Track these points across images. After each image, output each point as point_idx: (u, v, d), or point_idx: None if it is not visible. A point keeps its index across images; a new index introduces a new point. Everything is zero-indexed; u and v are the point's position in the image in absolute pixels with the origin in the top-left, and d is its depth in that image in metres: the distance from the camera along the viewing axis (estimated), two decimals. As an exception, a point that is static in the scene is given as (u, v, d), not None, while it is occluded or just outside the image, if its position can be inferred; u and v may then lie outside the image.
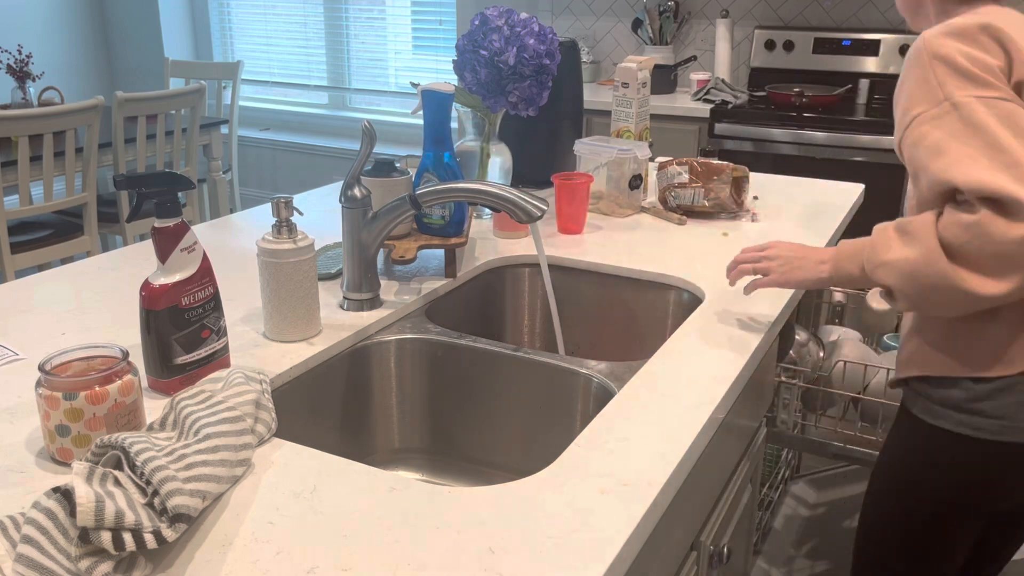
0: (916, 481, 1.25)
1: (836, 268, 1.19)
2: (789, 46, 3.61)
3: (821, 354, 1.76)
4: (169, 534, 0.74)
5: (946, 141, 1.06)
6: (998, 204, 1.01)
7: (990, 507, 1.23)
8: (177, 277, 1.02)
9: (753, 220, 1.78)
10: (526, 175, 1.93)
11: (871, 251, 1.14)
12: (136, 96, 3.41)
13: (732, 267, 1.31)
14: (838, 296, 2.03)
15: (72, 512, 0.73)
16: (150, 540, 0.72)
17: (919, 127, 1.09)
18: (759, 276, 1.27)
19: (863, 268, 1.15)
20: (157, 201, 1.01)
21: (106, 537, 0.71)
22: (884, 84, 3.49)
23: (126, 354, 0.91)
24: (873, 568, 1.36)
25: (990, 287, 1.03)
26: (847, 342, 1.75)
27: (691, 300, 1.45)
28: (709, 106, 3.38)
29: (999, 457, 1.16)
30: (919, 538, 1.28)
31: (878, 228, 1.16)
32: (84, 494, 0.71)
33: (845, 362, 1.69)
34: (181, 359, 1.04)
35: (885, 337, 1.81)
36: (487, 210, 1.80)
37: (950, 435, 1.19)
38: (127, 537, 0.71)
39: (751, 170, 2.04)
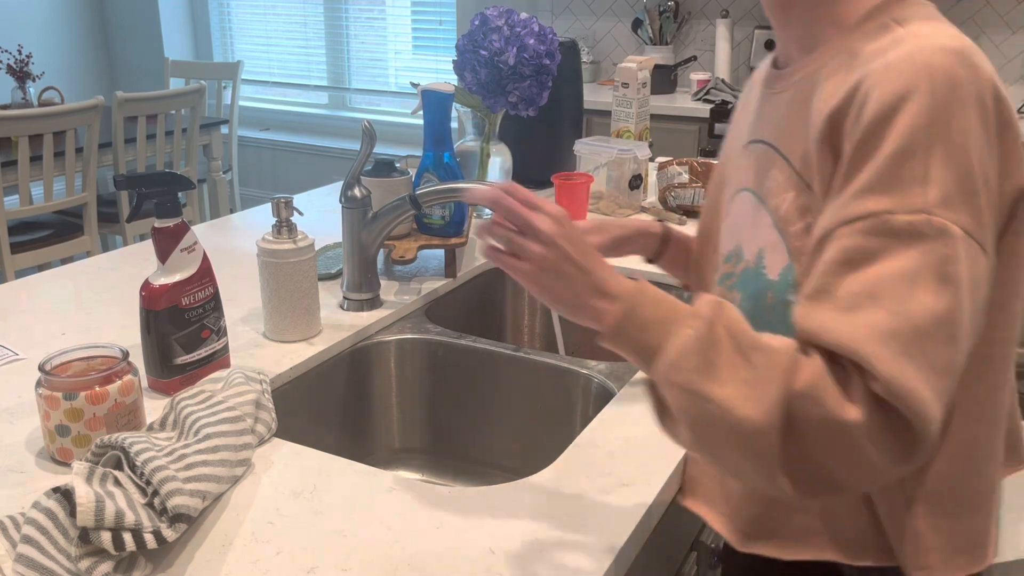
0: None
1: (621, 325, 0.75)
2: (789, 46, 3.61)
3: None
4: (169, 534, 0.74)
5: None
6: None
7: None
8: (177, 277, 1.02)
9: (753, 220, 1.78)
10: (526, 175, 1.93)
11: (682, 351, 0.70)
12: (136, 96, 3.41)
13: (486, 230, 0.78)
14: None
15: (72, 512, 0.73)
16: (150, 540, 0.72)
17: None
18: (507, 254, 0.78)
19: (652, 361, 0.71)
20: (157, 201, 1.01)
21: (106, 537, 0.71)
22: (884, 84, 3.48)
23: (126, 354, 0.91)
24: None
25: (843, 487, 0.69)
26: None
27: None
28: (709, 106, 3.38)
29: None
30: None
31: (708, 317, 0.72)
32: (84, 494, 0.71)
33: None
34: (181, 359, 1.04)
35: None
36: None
37: None
38: (127, 537, 0.71)
39: (751, 170, 2.03)
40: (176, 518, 0.75)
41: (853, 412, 0.64)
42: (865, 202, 0.67)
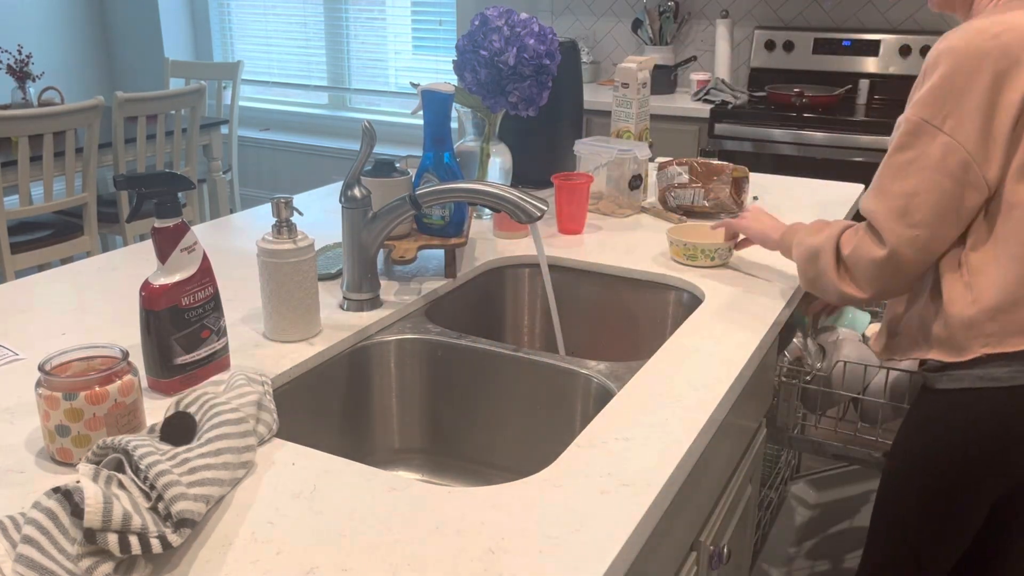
0: (934, 449, 1.28)
1: (783, 237, 1.40)
2: (789, 46, 3.61)
3: (822, 354, 1.75)
4: (175, 539, 0.74)
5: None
6: (872, 228, 1.22)
7: (1007, 465, 1.24)
8: (177, 277, 1.02)
9: (753, 220, 1.78)
10: (526, 175, 1.93)
11: (800, 232, 1.35)
12: (136, 96, 3.41)
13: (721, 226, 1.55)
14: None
15: (73, 512, 0.73)
16: (156, 545, 0.72)
17: None
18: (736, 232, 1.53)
19: (791, 242, 1.37)
20: (157, 201, 1.01)
21: (112, 539, 0.70)
22: (884, 84, 3.49)
23: (126, 354, 0.91)
24: (889, 544, 1.37)
25: (854, 291, 1.26)
26: (847, 342, 1.75)
27: (691, 300, 1.45)
28: (709, 106, 3.38)
29: (1015, 404, 1.20)
30: (936, 509, 1.30)
31: (818, 220, 1.37)
32: (93, 495, 0.71)
33: (845, 362, 1.68)
34: (181, 359, 1.04)
35: None
36: (487, 210, 1.80)
37: (967, 392, 1.23)
38: (133, 540, 0.71)
39: (751, 170, 2.03)
40: (181, 523, 0.75)
41: (867, 248, 1.24)
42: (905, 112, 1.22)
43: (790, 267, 1.50)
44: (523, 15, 1.53)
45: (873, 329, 1.79)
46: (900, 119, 1.21)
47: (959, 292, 1.21)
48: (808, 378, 1.71)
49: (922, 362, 1.33)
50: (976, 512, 1.29)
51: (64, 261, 3.40)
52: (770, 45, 3.64)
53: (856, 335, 1.80)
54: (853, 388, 1.69)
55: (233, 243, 1.62)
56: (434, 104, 1.41)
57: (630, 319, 1.53)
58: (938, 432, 1.29)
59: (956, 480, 1.27)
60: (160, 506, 0.76)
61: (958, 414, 1.25)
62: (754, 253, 1.58)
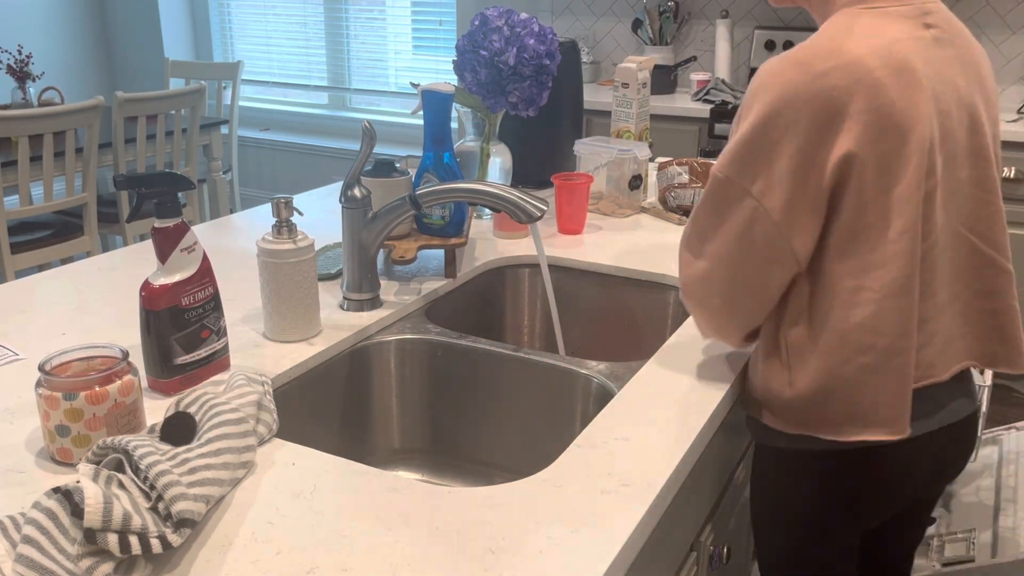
0: (822, 511, 1.15)
1: None
2: (789, 46, 3.61)
3: None
4: (175, 539, 0.74)
5: None
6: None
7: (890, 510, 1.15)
8: (177, 277, 1.02)
9: (753, 220, 1.78)
10: (526, 175, 1.93)
11: None
12: (136, 96, 3.41)
13: None
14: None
15: (73, 512, 0.73)
16: (156, 545, 0.72)
17: None
18: None
19: None
20: (157, 201, 1.01)
21: (112, 539, 0.70)
22: (884, 84, 3.48)
23: (126, 354, 0.91)
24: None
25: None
26: None
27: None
28: (709, 106, 3.38)
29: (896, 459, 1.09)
30: (821, 556, 1.18)
31: None
32: (93, 495, 0.71)
33: None
34: (181, 359, 1.04)
35: None
36: (487, 210, 1.80)
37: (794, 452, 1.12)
38: (133, 540, 0.71)
39: (751, 170, 2.03)
40: (181, 523, 0.75)
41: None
42: None
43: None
44: (523, 15, 1.53)
45: None
46: (712, 168, 1.04)
47: (777, 370, 1.07)
48: None
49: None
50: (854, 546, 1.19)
51: (64, 261, 3.40)
52: (770, 45, 3.64)
53: None
54: None
55: (233, 243, 1.62)
56: (434, 104, 1.41)
57: (630, 319, 1.53)
58: (823, 504, 1.15)
59: (844, 538, 1.17)
60: (160, 506, 0.76)
61: (839, 482, 1.12)
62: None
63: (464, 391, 1.31)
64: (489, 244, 1.64)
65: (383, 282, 1.43)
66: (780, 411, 1.09)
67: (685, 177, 1.79)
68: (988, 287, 1.10)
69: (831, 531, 1.15)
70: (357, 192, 1.26)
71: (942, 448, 1.12)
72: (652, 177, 2.04)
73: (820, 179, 0.96)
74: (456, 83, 1.64)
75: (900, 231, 0.97)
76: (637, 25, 3.85)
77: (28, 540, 0.71)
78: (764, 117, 0.96)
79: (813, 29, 3.57)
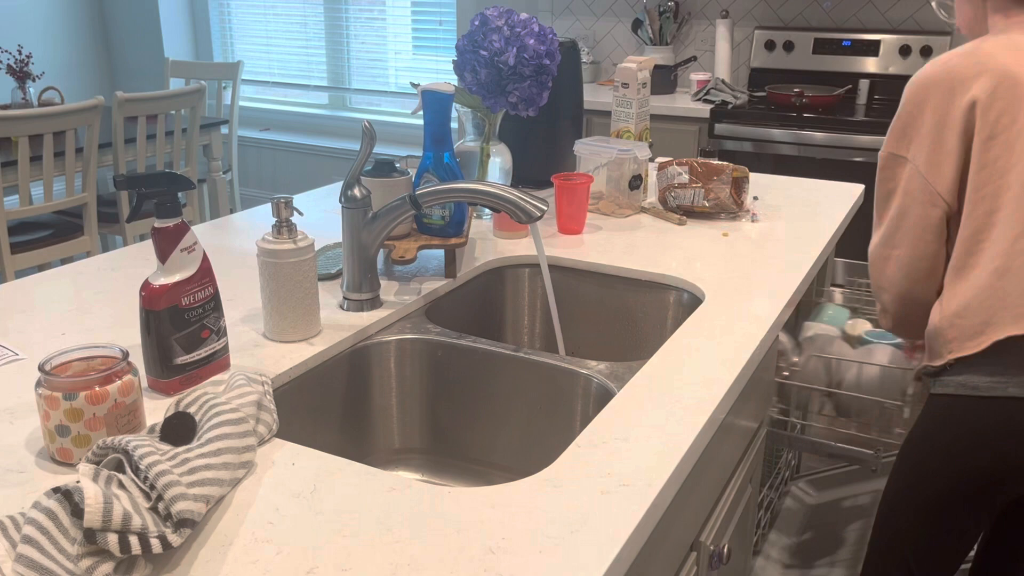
0: (926, 453, 1.30)
1: None
2: (789, 46, 3.61)
3: (799, 350, 1.76)
4: (175, 539, 0.74)
5: None
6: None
7: (995, 480, 1.24)
8: (177, 277, 1.02)
9: (753, 220, 1.78)
10: (526, 175, 1.93)
11: None
12: (136, 96, 3.41)
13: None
14: (838, 298, 2.03)
15: (73, 512, 0.73)
16: (156, 545, 0.72)
17: None
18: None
19: None
20: (157, 201, 1.01)
21: (112, 539, 0.70)
22: (884, 84, 3.49)
23: (126, 354, 0.91)
24: (884, 553, 1.37)
25: (883, 322, 1.45)
26: (821, 337, 1.75)
27: (691, 300, 1.45)
28: (709, 106, 3.38)
29: (990, 416, 1.22)
30: (928, 516, 1.31)
31: None
32: (93, 494, 0.71)
33: (818, 356, 1.69)
34: (181, 359, 1.04)
35: (864, 333, 1.82)
36: (487, 210, 1.80)
37: (952, 399, 1.26)
38: (133, 540, 0.71)
39: (751, 170, 2.03)
40: (181, 523, 0.75)
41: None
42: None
43: (791, 266, 1.50)
44: (523, 15, 1.53)
45: (853, 325, 1.80)
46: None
47: (936, 305, 1.30)
48: (785, 373, 1.72)
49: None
50: (971, 526, 1.29)
51: (64, 261, 3.40)
52: (770, 45, 3.64)
53: (835, 330, 1.81)
54: (828, 383, 1.71)
55: (233, 243, 1.62)
56: (434, 104, 1.41)
57: (630, 319, 1.53)
58: (928, 437, 1.30)
59: (945, 493, 1.28)
60: (160, 506, 0.76)
61: (943, 426, 1.27)
62: (753, 252, 1.58)
63: (464, 391, 1.31)
64: (489, 244, 1.64)
65: (383, 282, 1.43)
66: (934, 343, 1.31)
67: (685, 177, 1.79)
68: None
69: (972, 495, 1.27)
70: (357, 192, 1.26)
71: None
72: (652, 177, 2.04)
73: (951, 130, 1.23)
74: (456, 83, 1.64)
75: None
76: (637, 25, 3.85)
77: (28, 540, 0.71)
78: (908, 100, 1.28)
79: (813, 29, 3.58)
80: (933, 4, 1.49)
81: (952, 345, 1.25)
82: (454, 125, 3.58)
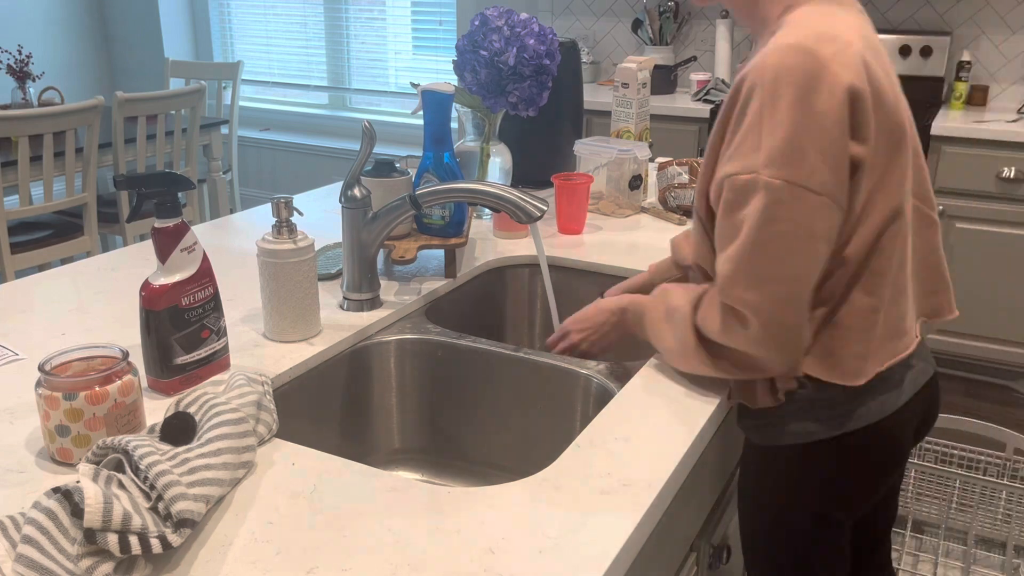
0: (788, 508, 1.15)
1: (625, 329, 1.23)
2: (789, 46, 3.61)
3: None
4: (175, 539, 0.74)
5: None
6: None
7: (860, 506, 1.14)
8: (177, 277, 1.02)
9: (753, 220, 1.78)
10: (526, 175, 1.93)
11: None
12: (136, 96, 3.41)
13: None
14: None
15: (73, 512, 0.73)
16: (156, 545, 0.72)
17: None
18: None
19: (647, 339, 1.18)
20: (157, 201, 1.01)
21: (112, 539, 0.70)
22: (884, 84, 3.48)
23: (126, 354, 0.91)
24: None
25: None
26: None
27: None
28: (709, 106, 3.38)
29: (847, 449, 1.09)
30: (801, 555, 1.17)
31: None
32: (93, 494, 0.71)
33: None
34: (181, 359, 1.04)
35: None
36: (487, 210, 1.80)
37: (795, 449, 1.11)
38: (133, 540, 0.71)
39: (751, 170, 2.02)
40: (181, 523, 0.75)
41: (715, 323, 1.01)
42: (724, 167, 0.98)
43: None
44: (523, 15, 1.53)
45: None
46: (750, 180, 0.95)
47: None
48: None
49: None
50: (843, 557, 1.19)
51: (64, 261, 3.40)
52: (770, 45, 3.64)
53: None
54: None
55: (233, 243, 1.62)
56: (434, 104, 1.41)
57: (630, 319, 1.53)
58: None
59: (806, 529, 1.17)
60: (160, 506, 0.76)
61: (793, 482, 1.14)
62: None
63: (464, 391, 1.31)
64: (489, 244, 1.64)
65: (383, 282, 1.43)
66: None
67: (685, 177, 1.79)
68: (931, 243, 1.15)
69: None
70: (357, 192, 1.26)
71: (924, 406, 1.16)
72: (652, 177, 2.04)
73: (847, 158, 0.95)
74: (456, 83, 1.64)
75: (896, 205, 1.01)
76: (637, 25, 3.85)
77: (28, 540, 0.71)
78: (798, 110, 0.92)
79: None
80: None
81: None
82: (454, 125, 3.58)
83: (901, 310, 1.08)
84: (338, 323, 1.26)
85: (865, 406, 1.07)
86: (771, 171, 0.92)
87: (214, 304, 1.06)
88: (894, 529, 1.79)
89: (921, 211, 1.13)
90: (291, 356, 1.16)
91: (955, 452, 2.29)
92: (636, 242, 1.65)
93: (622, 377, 1.16)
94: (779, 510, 1.15)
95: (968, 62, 3.33)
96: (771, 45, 0.96)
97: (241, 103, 4.98)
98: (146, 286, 1.02)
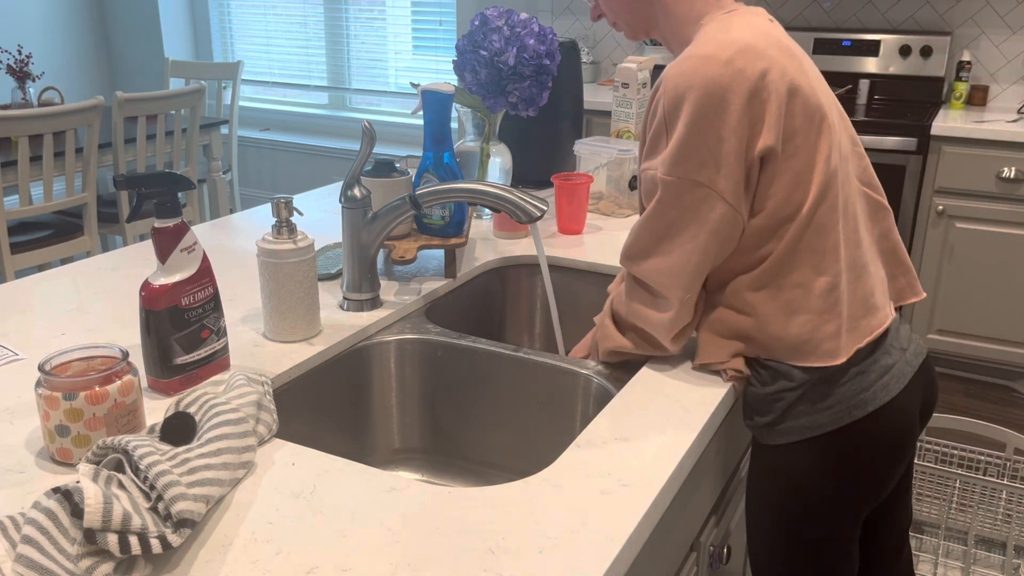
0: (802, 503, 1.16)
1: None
2: (789, 46, 3.61)
3: None
4: (175, 539, 0.74)
5: None
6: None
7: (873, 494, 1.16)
8: (177, 277, 1.02)
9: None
10: (526, 175, 1.93)
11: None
12: (136, 96, 3.41)
13: None
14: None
15: (73, 512, 0.73)
16: (156, 545, 0.72)
17: None
18: None
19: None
20: (157, 201, 1.01)
21: (112, 539, 0.70)
22: (884, 84, 3.49)
23: (126, 354, 0.91)
24: None
25: None
26: None
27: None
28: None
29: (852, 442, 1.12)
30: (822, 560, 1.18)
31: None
32: (93, 494, 0.71)
33: None
34: (181, 359, 1.04)
35: None
36: (487, 210, 1.80)
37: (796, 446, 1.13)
38: (133, 540, 0.71)
39: (751, 170, 2.02)
40: (181, 523, 0.75)
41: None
42: (642, 162, 1.12)
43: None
44: (523, 15, 1.53)
45: None
46: (654, 176, 1.08)
47: None
48: None
49: None
50: (854, 552, 1.20)
51: (64, 261, 3.40)
52: (770, 45, 3.64)
53: None
54: None
55: (233, 243, 1.62)
56: (434, 104, 1.41)
57: (630, 319, 1.53)
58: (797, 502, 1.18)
59: (833, 536, 1.18)
60: (160, 506, 0.76)
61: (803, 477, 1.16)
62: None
63: (464, 391, 1.31)
64: (489, 244, 1.64)
65: (383, 282, 1.43)
66: None
67: (685, 177, 1.78)
68: (883, 228, 1.21)
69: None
70: (357, 192, 1.26)
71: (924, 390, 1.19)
72: (652, 177, 2.04)
73: (752, 153, 1.04)
74: (456, 83, 1.64)
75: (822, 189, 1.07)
76: (637, 25, 3.85)
77: (28, 540, 0.71)
78: (695, 114, 1.02)
79: (813, 29, 3.58)
80: None
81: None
82: (454, 125, 3.58)
83: (867, 287, 1.12)
84: (338, 323, 1.26)
85: (867, 392, 1.09)
86: (667, 169, 1.05)
87: (214, 304, 1.06)
88: None
89: (870, 197, 1.19)
90: (291, 356, 1.16)
91: (955, 452, 2.29)
92: (636, 242, 1.65)
93: (622, 377, 1.16)
94: (789, 508, 1.16)
95: (968, 62, 3.33)
96: (680, 56, 1.07)
97: (241, 103, 4.99)
98: (146, 286, 1.02)
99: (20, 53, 3.78)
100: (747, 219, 1.07)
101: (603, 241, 1.65)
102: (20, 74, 3.73)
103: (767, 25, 1.11)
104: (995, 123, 3.02)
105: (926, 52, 3.39)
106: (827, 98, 1.12)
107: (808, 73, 1.09)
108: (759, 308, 1.08)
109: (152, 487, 0.77)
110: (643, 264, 1.11)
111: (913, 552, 2.27)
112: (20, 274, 3.29)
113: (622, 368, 1.19)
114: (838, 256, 1.08)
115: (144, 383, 1.05)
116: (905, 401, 1.12)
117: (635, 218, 1.81)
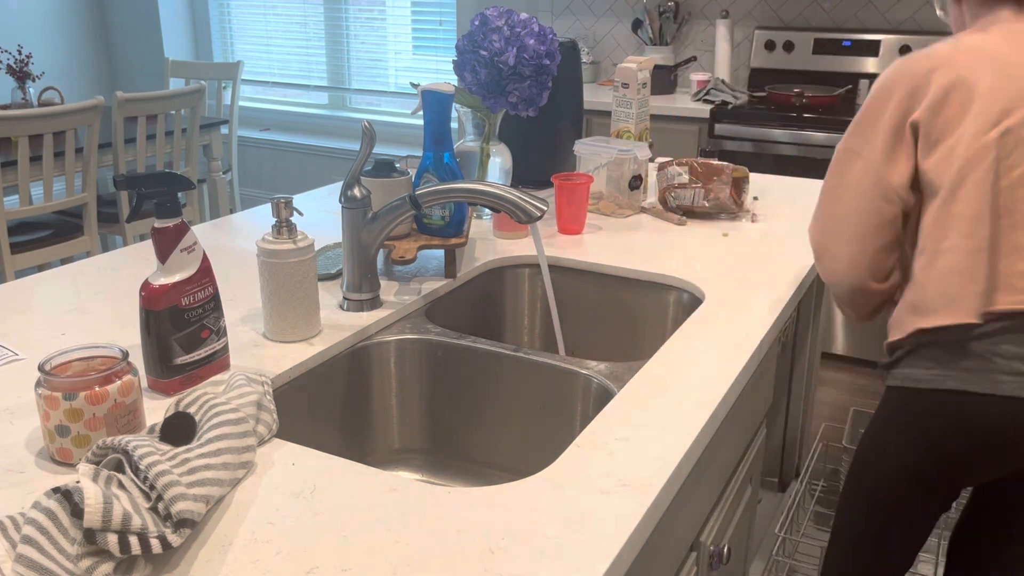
0: (871, 449, 1.32)
1: None
2: (789, 47, 3.61)
3: None
4: (175, 540, 0.74)
5: None
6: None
7: (945, 473, 1.25)
8: (177, 277, 1.02)
9: (753, 221, 1.78)
10: (526, 175, 1.93)
11: None
12: (136, 96, 3.41)
13: None
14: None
15: (73, 512, 0.73)
16: (156, 545, 0.72)
17: None
18: None
19: None
20: (157, 201, 1.01)
21: (112, 539, 0.70)
22: (884, 84, 3.48)
23: (126, 354, 0.91)
24: (841, 548, 1.38)
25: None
26: None
27: (691, 300, 1.45)
28: (709, 106, 3.38)
29: (935, 409, 1.22)
30: (878, 513, 1.32)
31: None
32: (93, 494, 0.71)
33: None
34: (181, 359, 1.04)
35: None
36: (487, 210, 1.80)
37: (899, 392, 1.27)
38: (133, 540, 0.71)
39: (751, 170, 2.04)
40: (181, 523, 0.75)
41: None
42: None
43: (791, 267, 1.50)
44: (523, 15, 1.53)
45: None
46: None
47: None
48: None
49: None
50: (916, 523, 1.30)
51: (64, 261, 3.40)
52: (770, 45, 3.64)
53: None
54: None
55: (233, 243, 1.62)
56: (434, 104, 1.41)
57: (630, 319, 1.53)
58: (873, 432, 1.33)
59: (893, 486, 1.29)
60: (160, 506, 0.76)
61: (887, 421, 1.29)
62: (753, 253, 1.58)
63: (464, 391, 1.31)
64: (489, 244, 1.64)
65: (383, 282, 1.43)
66: None
67: (685, 177, 1.79)
68: None
69: (915, 493, 1.29)
70: (357, 192, 1.26)
71: None
72: (652, 177, 2.04)
73: (909, 128, 1.23)
74: (456, 83, 1.64)
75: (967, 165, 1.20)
76: (637, 25, 3.85)
77: (28, 540, 0.71)
78: (868, 97, 1.30)
79: (813, 29, 3.58)
80: (936, 3, 1.49)
81: (890, 332, 1.29)
82: (454, 125, 3.58)
83: (1018, 268, 1.17)
84: (338, 323, 1.26)
85: (977, 372, 1.17)
86: (840, 143, 1.32)
87: (214, 304, 1.06)
88: None
89: None
90: (291, 356, 1.16)
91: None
92: (636, 242, 1.65)
93: (622, 377, 1.16)
94: (876, 451, 1.29)
95: (968, 62, 3.32)
96: None
97: (241, 103, 4.98)
98: (146, 286, 1.02)
99: (20, 53, 3.78)
100: None
101: (603, 241, 1.65)
102: (20, 74, 3.73)
103: (993, 38, 1.24)
104: (995, 123, 3.01)
105: (926, 52, 3.39)
106: (1009, 93, 1.21)
107: (990, 73, 1.20)
108: None
109: (152, 487, 0.77)
110: None
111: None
112: (20, 274, 3.29)
113: (622, 368, 1.19)
114: (982, 224, 1.18)
115: (144, 383, 1.05)
116: (1009, 408, 1.16)
117: (635, 218, 1.81)
